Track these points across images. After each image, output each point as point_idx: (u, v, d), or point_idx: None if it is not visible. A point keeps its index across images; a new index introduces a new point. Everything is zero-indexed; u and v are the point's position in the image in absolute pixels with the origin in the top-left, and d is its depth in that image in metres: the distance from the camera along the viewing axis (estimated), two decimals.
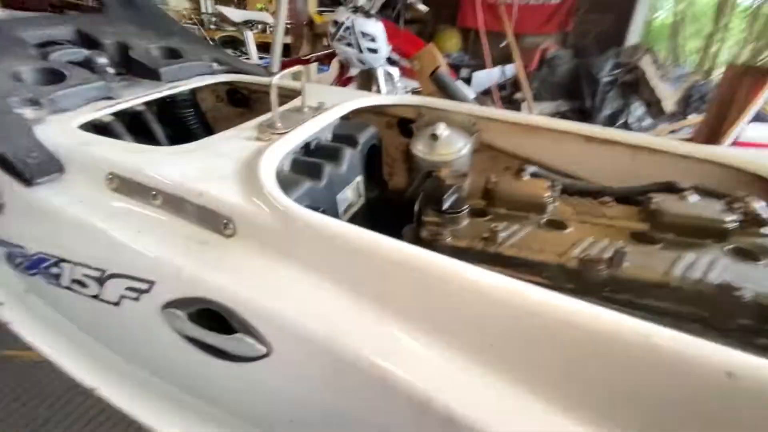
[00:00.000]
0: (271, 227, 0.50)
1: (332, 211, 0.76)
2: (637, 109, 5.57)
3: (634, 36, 6.33)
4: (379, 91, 2.22)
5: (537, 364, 0.42)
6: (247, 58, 3.00)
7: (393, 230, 0.79)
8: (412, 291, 0.46)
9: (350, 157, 0.80)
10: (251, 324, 0.46)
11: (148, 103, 0.94)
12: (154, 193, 0.56)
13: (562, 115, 5.59)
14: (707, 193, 0.76)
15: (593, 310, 0.40)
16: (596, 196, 0.79)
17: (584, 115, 5.53)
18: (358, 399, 0.47)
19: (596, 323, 0.39)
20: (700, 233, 0.63)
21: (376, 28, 2.03)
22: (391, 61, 3.52)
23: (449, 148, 0.91)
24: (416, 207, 0.78)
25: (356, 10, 2.00)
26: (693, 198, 0.67)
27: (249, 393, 0.55)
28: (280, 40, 2.14)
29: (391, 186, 1.27)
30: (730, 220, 0.62)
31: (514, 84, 6.29)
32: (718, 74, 6.51)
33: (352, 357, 0.43)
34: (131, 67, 1.02)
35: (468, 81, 4.44)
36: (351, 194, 0.82)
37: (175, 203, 0.55)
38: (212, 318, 0.49)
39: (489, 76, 5.68)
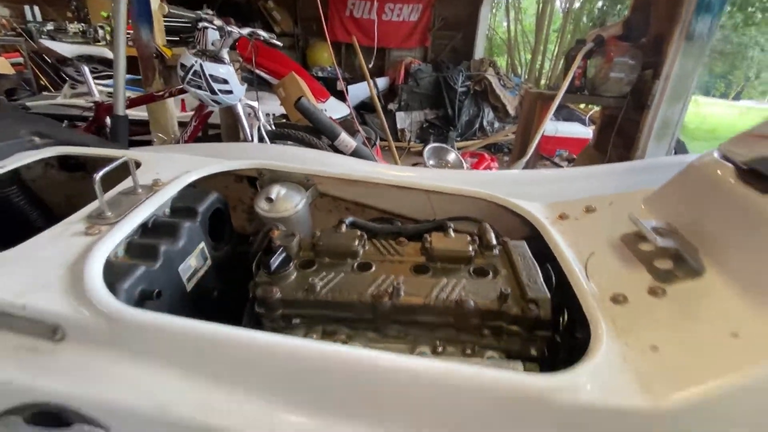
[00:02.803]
0: (97, 329, 0.59)
1: (174, 283, 0.85)
2: (489, 114, 6.51)
3: (479, 50, 7.34)
4: (241, 126, 2.28)
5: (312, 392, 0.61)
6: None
7: (243, 279, 0.92)
8: (233, 362, 0.61)
9: (188, 230, 0.90)
10: (86, 414, 0.55)
11: None
12: None
13: (430, 123, 6.25)
14: (464, 227, 1.07)
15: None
16: (395, 237, 1.04)
17: (447, 120, 6.25)
18: None
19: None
20: (454, 261, 0.90)
21: (226, 71, 2.07)
22: (261, 80, 3.54)
23: (286, 205, 1.08)
24: (253, 268, 0.92)
25: (203, 53, 2.02)
26: (451, 235, 0.95)
27: None
28: (121, 78, 2.04)
29: (250, 229, 1.38)
30: (471, 249, 0.90)
31: (387, 95, 6.77)
32: (543, 83, 7.94)
33: (180, 419, 0.56)
34: None
35: (343, 94, 4.68)
36: (194, 262, 0.92)
37: None
38: (49, 416, 0.56)
39: (363, 89, 6.01)
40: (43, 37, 5.74)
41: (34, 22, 6.18)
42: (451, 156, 3.43)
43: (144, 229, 0.86)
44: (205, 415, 0.57)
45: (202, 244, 0.95)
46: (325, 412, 0.61)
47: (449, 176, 1.36)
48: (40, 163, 1.15)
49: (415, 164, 4.47)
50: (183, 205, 0.96)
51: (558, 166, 4.62)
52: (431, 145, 3.51)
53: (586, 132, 5.35)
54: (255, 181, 1.21)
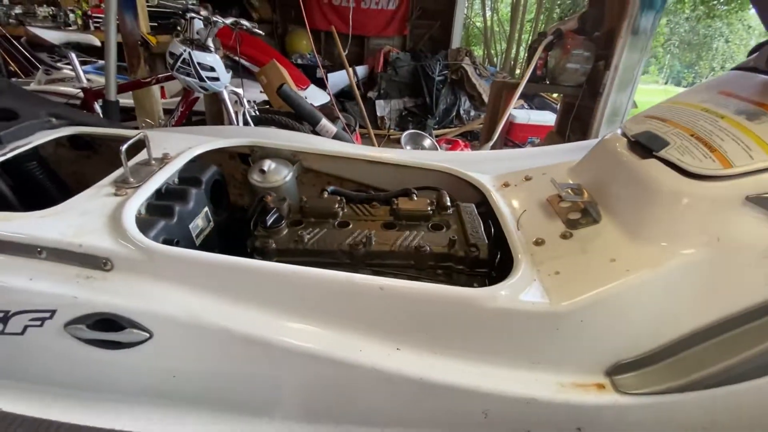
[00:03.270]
0: (138, 260, 0.77)
1: (187, 238, 1.04)
2: (465, 102, 6.73)
3: (457, 40, 7.51)
4: (227, 111, 2.42)
5: (327, 309, 0.82)
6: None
7: (239, 242, 1.11)
8: (243, 284, 0.81)
9: (195, 195, 1.09)
10: (135, 320, 0.74)
11: None
12: (39, 250, 0.77)
13: (409, 111, 6.43)
14: (426, 194, 1.30)
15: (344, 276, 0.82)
16: (369, 202, 1.25)
17: (426, 109, 6.45)
18: (222, 356, 0.80)
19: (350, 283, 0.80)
20: (417, 219, 1.12)
21: (213, 59, 2.21)
22: (242, 68, 3.65)
23: (275, 176, 1.27)
24: (251, 225, 1.11)
25: (191, 42, 2.14)
26: (414, 199, 1.16)
27: (140, 371, 0.82)
28: (112, 65, 2.15)
29: (242, 203, 1.57)
30: (430, 209, 1.12)
31: (366, 83, 6.90)
32: (518, 72, 8.20)
33: (208, 324, 0.76)
34: None
35: (323, 81, 4.81)
36: (201, 222, 1.11)
37: (59, 254, 0.77)
38: (107, 323, 0.75)
39: (342, 77, 6.13)
40: (11, 21, 5.58)
41: (0, 5, 5.99)
42: (427, 142, 3.64)
43: (158, 194, 1.04)
44: (226, 322, 0.77)
45: (206, 208, 1.14)
46: (317, 319, 0.82)
47: (418, 156, 1.57)
48: (52, 142, 1.30)
49: None
50: (189, 175, 1.14)
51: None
52: (408, 131, 3.71)
53: (552, 119, 5.66)
54: (247, 158, 1.39)
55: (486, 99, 6.58)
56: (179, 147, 1.21)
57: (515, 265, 0.91)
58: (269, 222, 1.03)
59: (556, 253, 0.94)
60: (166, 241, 0.92)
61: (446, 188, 1.36)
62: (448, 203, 1.16)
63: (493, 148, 2.71)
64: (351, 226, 1.10)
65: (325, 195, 1.18)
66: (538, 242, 0.98)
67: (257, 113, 2.58)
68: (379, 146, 4.73)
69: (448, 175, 1.36)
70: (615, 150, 1.04)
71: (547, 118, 5.92)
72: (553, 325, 0.83)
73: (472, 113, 6.67)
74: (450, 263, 1.02)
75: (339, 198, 1.16)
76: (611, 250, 0.89)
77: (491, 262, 1.01)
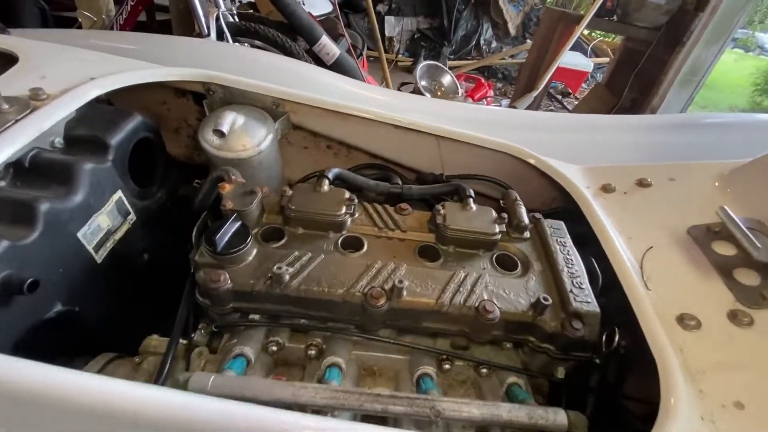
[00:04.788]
0: None
1: (71, 257, 0.58)
2: (488, 30, 5.85)
3: None
4: (194, 13, 1.76)
5: None
6: None
7: (188, 236, 0.67)
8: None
9: (92, 173, 0.60)
10: None
11: None
12: None
13: (422, 34, 5.55)
14: (480, 187, 0.83)
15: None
16: (395, 200, 0.79)
17: (442, 33, 5.57)
18: None
19: None
20: (473, 245, 0.68)
21: None
22: None
23: (244, 141, 0.77)
24: (194, 236, 0.65)
25: None
26: (471, 207, 0.71)
27: None
28: None
29: (199, 160, 1.07)
30: (498, 230, 0.67)
31: None
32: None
33: None
34: None
35: None
36: (106, 221, 0.64)
37: None
38: None
39: None
40: None
41: None
42: (447, 79, 3.03)
43: (15, 172, 0.56)
44: None
45: (119, 194, 0.66)
46: None
47: (457, 111, 1.07)
48: None
49: (403, 84, 4.00)
50: (85, 134, 0.64)
51: (565, 108, 4.27)
52: (425, 63, 3.06)
53: (587, 65, 4.92)
54: (202, 98, 0.87)
55: (511, 29, 5.70)
56: (75, 75, 0.68)
57: (665, 381, 0.50)
58: (220, 245, 0.57)
59: (727, 356, 0.54)
60: (7, 285, 0.47)
61: (503, 173, 0.90)
62: (525, 220, 0.71)
63: (534, 101, 2.16)
64: (365, 249, 0.65)
65: (325, 186, 0.71)
66: (687, 322, 0.57)
67: (237, 20, 1.93)
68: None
69: (511, 157, 0.88)
70: None
71: (576, 61, 5.17)
72: None
73: (494, 45, 5.83)
74: (532, 338, 0.61)
75: (347, 195, 0.69)
76: None
77: (600, 343, 0.60)
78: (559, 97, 4.67)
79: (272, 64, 0.98)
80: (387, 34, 5.35)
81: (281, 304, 0.60)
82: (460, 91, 3.08)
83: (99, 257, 0.63)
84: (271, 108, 0.83)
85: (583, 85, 5.22)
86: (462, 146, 0.88)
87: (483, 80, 3.52)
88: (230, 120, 0.73)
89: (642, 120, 1.24)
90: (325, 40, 2.07)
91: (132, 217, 0.70)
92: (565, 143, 1.07)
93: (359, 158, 0.98)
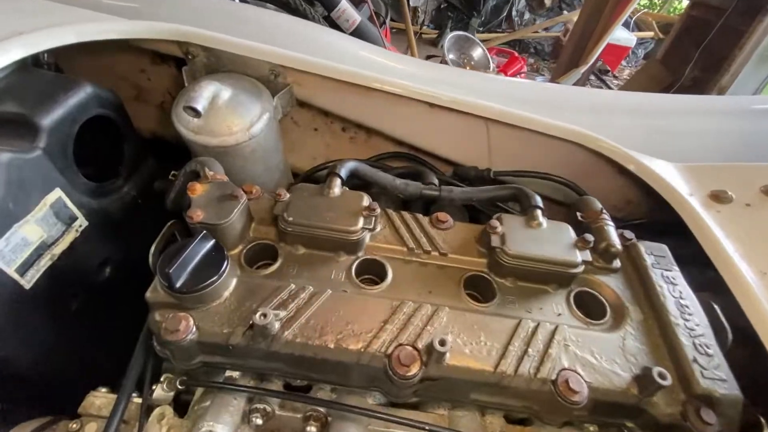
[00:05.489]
0: None
1: None
2: (520, 1, 5.41)
3: None
4: None
5: None
6: None
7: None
8: None
9: (7, 169, 0.42)
10: None
11: None
12: None
13: (449, 4, 5.15)
14: (542, 189, 0.61)
15: None
16: (428, 206, 0.59)
17: (470, 4, 5.17)
18: None
19: None
20: (544, 278, 0.48)
21: None
22: None
23: (230, 122, 0.57)
24: (150, 259, 0.47)
25: None
26: (541, 221, 0.50)
27: None
28: None
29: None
30: (581, 261, 0.47)
31: None
32: None
33: None
34: None
35: None
36: (36, 231, 0.46)
37: None
38: None
39: None
40: None
41: None
42: (477, 52, 2.74)
43: None
44: None
45: (57, 194, 0.48)
46: None
47: (503, 88, 0.84)
48: None
49: (428, 57, 3.70)
50: (7, 110, 0.46)
51: (608, 88, 3.89)
52: (454, 33, 2.78)
53: (629, 39, 4.46)
54: (183, 64, 0.67)
55: (548, 0, 5.24)
56: None
57: None
58: (178, 279, 0.39)
59: None
60: None
61: (564, 167, 0.69)
62: (617, 244, 0.50)
63: (581, 78, 1.88)
64: (389, 279, 0.47)
65: (335, 188, 0.51)
66: None
67: None
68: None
69: (583, 148, 0.66)
70: None
71: (620, 36, 4.70)
72: None
73: (526, 17, 5.39)
74: (630, 423, 0.41)
75: (366, 201, 0.50)
76: None
77: None
78: (598, 74, 4.28)
79: (273, 23, 0.76)
80: (411, 3, 4.99)
81: (269, 361, 0.42)
82: (492, 65, 2.79)
83: (27, 281, 0.46)
84: (268, 78, 0.63)
85: (623, 62, 4.79)
86: (517, 133, 0.67)
87: (516, 54, 3.21)
88: (209, 93, 0.54)
89: (744, 102, 0.98)
90: (345, 4, 1.83)
91: (81, 222, 0.52)
92: (643, 130, 0.84)
93: (381, 146, 0.78)
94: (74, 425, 0.44)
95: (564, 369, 0.40)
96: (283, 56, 0.61)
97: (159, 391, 0.46)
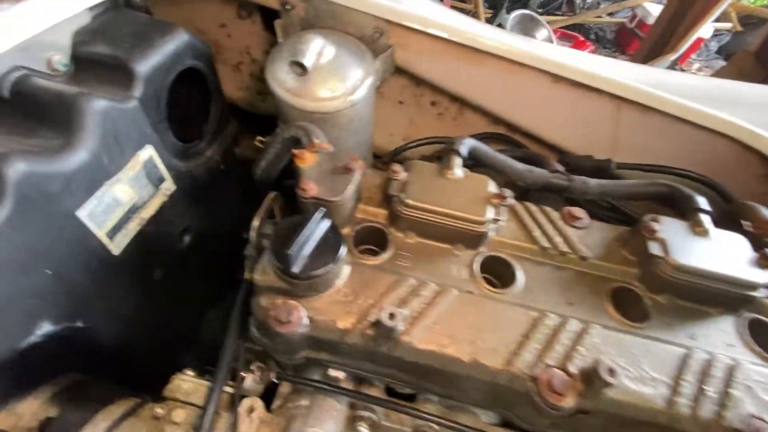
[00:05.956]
0: None
1: (69, 246, 0.36)
2: None
3: None
4: None
5: None
6: None
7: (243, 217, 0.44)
8: None
9: (104, 118, 0.37)
10: None
11: None
12: None
13: None
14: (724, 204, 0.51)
15: None
16: (560, 199, 0.50)
17: None
18: None
19: None
20: (712, 299, 0.39)
21: None
22: None
23: (332, 84, 0.50)
24: (252, 236, 0.42)
25: None
26: (707, 228, 0.41)
27: None
28: None
29: (264, 109, 0.83)
30: (763, 282, 0.38)
31: None
32: None
33: None
34: None
35: None
36: (128, 192, 0.41)
37: None
38: None
39: None
40: None
41: None
42: (542, 33, 2.56)
43: None
44: None
45: (149, 151, 0.43)
46: None
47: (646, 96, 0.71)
48: None
49: None
50: (101, 52, 0.41)
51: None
52: (519, 11, 2.60)
53: (704, 29, 4.03)
54: (274, 17, 0.61)
55: None
56: None
57: None
58: (298, 262, 0.33)
59: None
60: None
61: (700, 165, 0.58)
62: None
63: (670, 67, 1.69)
64: (521, 283, 0.39)
65: (457, 170, 0.44)
66: None
67: None
68: None
69: (720, 138, 0.56)
70: None
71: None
72: None
73: (589, 0, 5.01)
74: None
75: (496, 191, 0.42)
76: None
77: None
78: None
79: None
80: None
81: (383, 365, 0.36)
82: None
83: (116, 247, 0.42)
84: (372, 38, 0.55)
85: (692, 55, 4.39)
86: (653, 119, 0.56)
87: (581, 37, 2.98)
88: (317, 47, 0.47)
89: None
90: None
91: (169, 185, 0.47)
92: None
93: (472, 124, 0.69)
94: (160, 410, 0.40)
95: (751, 418, 0.32)
96: (394, 11, 0.53)
97: (249, 382, 0.41)
